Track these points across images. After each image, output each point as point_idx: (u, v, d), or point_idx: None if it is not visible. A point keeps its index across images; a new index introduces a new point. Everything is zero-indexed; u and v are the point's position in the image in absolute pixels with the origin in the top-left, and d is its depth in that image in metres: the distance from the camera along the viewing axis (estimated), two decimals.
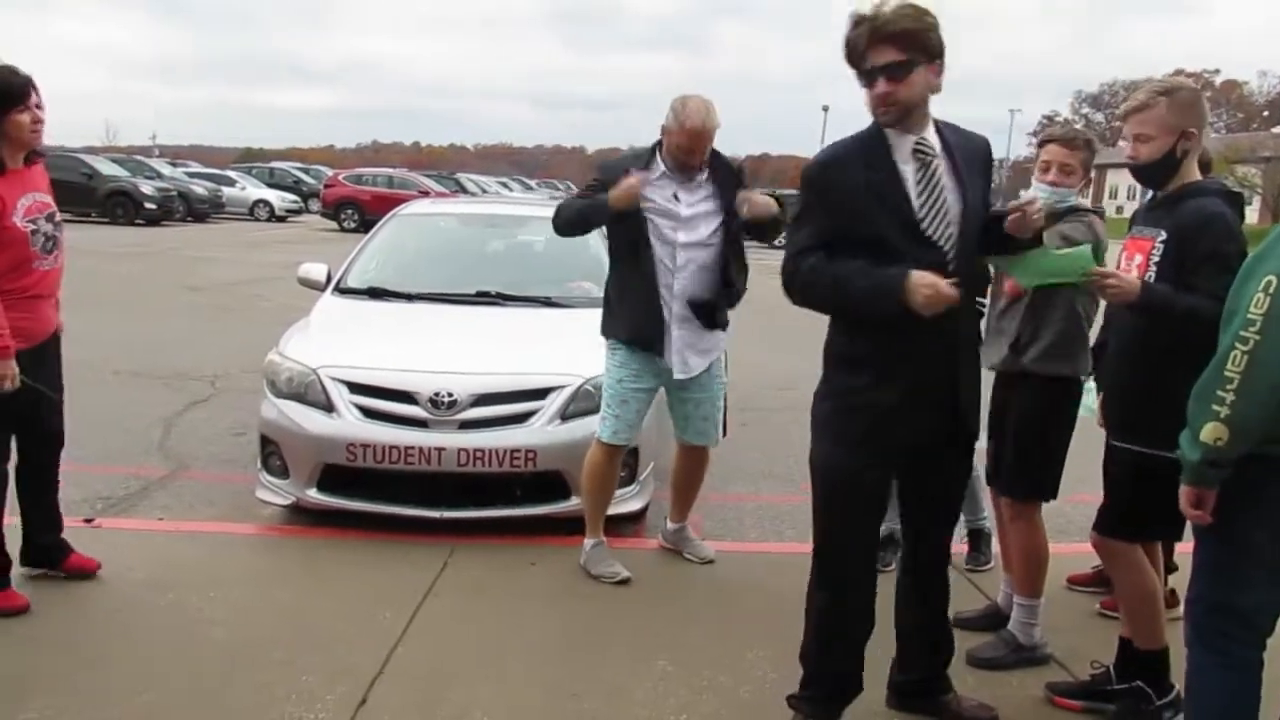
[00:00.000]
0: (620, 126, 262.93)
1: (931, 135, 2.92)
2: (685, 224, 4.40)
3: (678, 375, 4.51)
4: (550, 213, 4.57)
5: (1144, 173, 3.22)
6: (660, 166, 4.43)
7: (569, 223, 4.58)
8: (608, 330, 4.58)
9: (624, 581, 4.45)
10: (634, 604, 4.28)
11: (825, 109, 75.70)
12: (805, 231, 2.98)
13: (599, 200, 4.39)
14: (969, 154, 2.98)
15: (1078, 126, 4.23)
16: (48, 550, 4.21)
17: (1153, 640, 3.34)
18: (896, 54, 2.79)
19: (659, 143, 4.47)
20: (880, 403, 2.94)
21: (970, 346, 3.14)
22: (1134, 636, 3.37)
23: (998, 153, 4.26)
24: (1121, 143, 3.41)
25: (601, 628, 4.04)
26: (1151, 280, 3.11)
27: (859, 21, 2.81)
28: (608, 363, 4.55)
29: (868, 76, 2.84)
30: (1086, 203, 3.82)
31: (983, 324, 3.74)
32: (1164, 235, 3.12)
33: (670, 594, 4.38)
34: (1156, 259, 3.12)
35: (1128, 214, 4.51)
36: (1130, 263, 3.23)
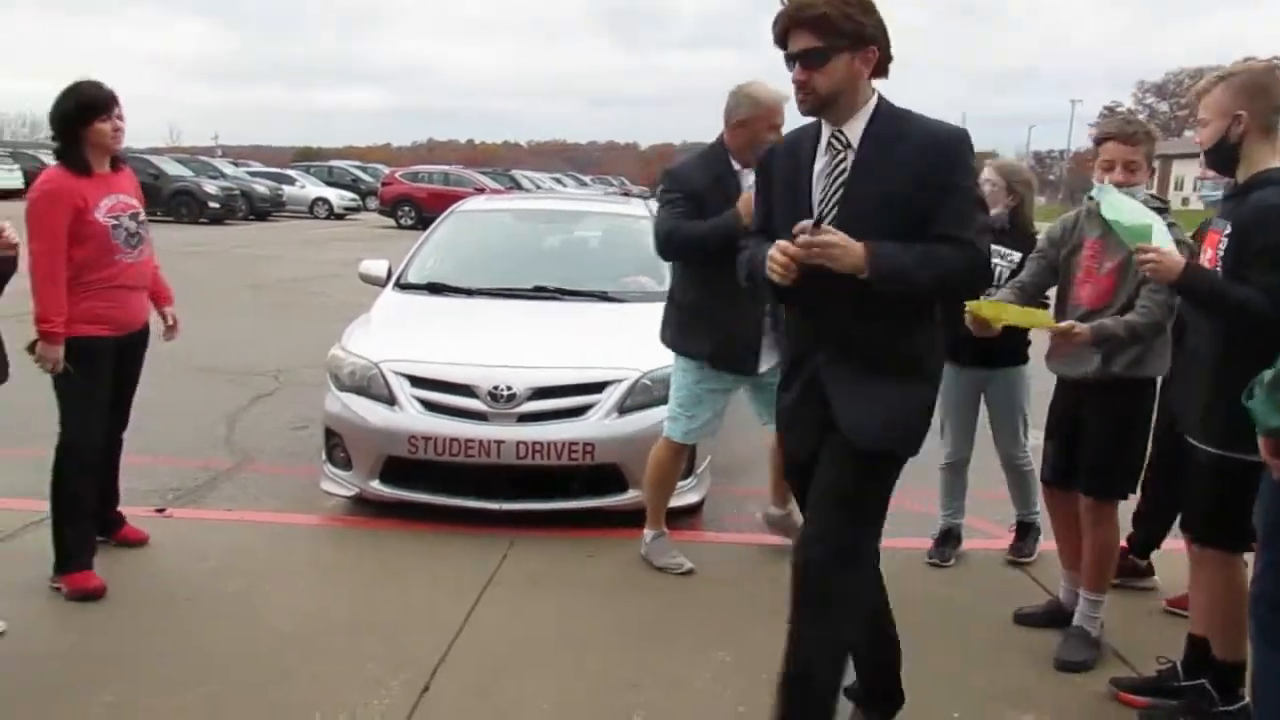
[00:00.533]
0: (671, 122, 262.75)
1: (856, 126, 2.68)
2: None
3: (762, 370, 4.46)
4: (606, 207, 4.57)
5: (1207, 158, 3.19)
6: (735, 166, 4.34)
7: (693, 244, 4.26)
8: (685, 345, 4.44)
9: (688, 572, 4.47)
10: (692, 596, 4.30)
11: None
12: (755, 217, 2.99)
13: (727, 219, 4.14)
14: (906, 150, 2.64)
15: (1138, 116, 4.10)
16: (104, 522, 4.45)
17: (1234, 652, 3.23)
18: (813, 40, 2.60)
19: (721, 141, 4.39)
20: (781, 401, 2.99)
21: (857, 358, 2.75)
22: (1215, 644, 3.28)
23: (1056, 143, 4.20)
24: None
25: (659, 619, 4.06)
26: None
27: (783, 5, 2.66)
28: (680, 361, 4.49)
29: (788, 63, 2.67)
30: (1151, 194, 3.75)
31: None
32: (1229, 228, 3.08)
33: (728, 586, 4.40)
34: (1221, 252, 3.08)
35: (1193, 206, 4.44)
36: (1202, 256, 3.20)
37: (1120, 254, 3.51)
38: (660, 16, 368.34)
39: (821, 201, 2.69)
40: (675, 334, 4.50)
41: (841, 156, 2.69)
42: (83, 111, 4.02)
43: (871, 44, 2.64)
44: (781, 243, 2.61)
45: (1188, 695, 3.32)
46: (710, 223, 4.19)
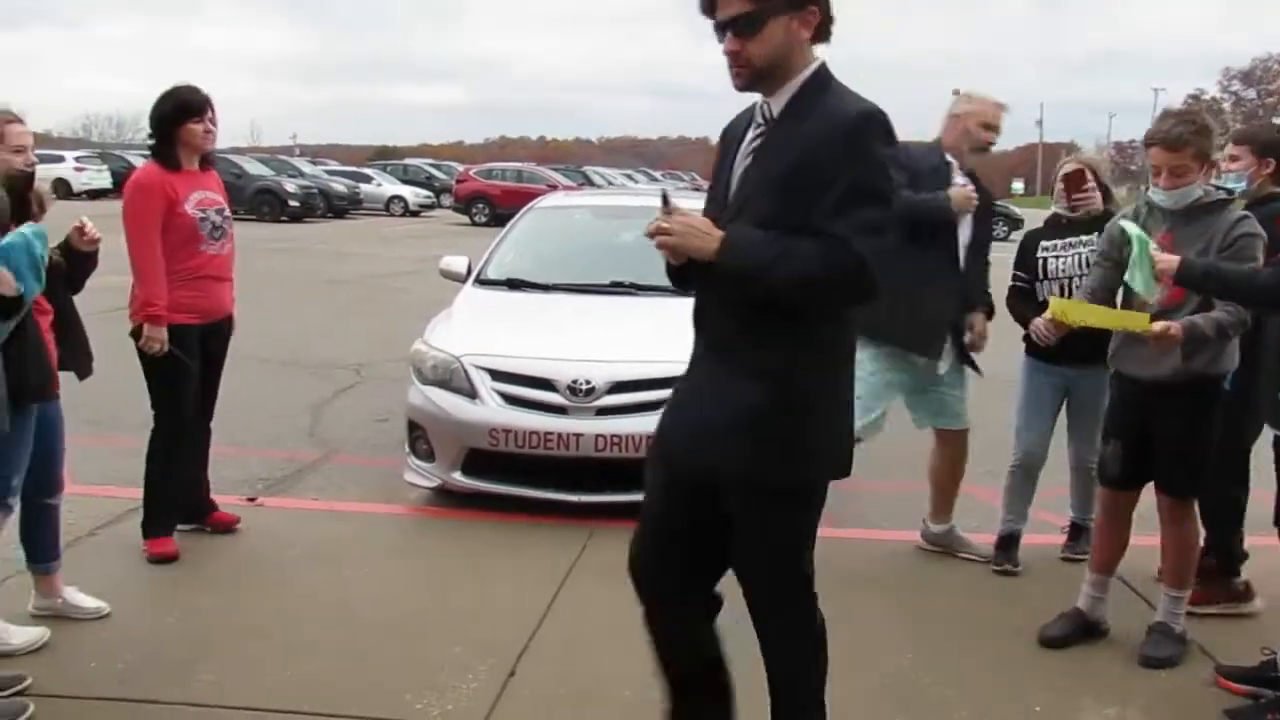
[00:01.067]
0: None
1: (784, 98, 2.36)
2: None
3: (942, 369, 4.52)
4: (679, 202, 4.49)
5: None
6: (948, 158, 4.46)
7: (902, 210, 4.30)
8: (882, 335, 4.33)
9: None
10: None
11: (956, 92, 74.01)
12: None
13: (940, 199, 4.29)
14: (806, 131, 2.30)
15: (1197, 111, 4.04)
16: (197, 507, 4.69)
17: None
18: (743, 3, 2.27)
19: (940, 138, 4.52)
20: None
21: (735, 371, 2.40)
22: None
23: (1137, 133, 4.17)
24: None
25: (741, 610, 4.09)
26: None
27: None
28: (864, 350, 4.43)
29: (718, 32, 2.34)
30: (1214, 191, 3.63)
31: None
32: None
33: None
34: None
35: None
36: None
37: (1191, 249, 3.47)
38: None
39: (731, 183, 2.45)
40: (865, 317, 4.46)
41: (759, 133, 2.40)
42: (178, 113, 4.31)
43: (811, 3, 2.31)
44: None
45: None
46: (922, 196, 4.26)
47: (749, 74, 2.33)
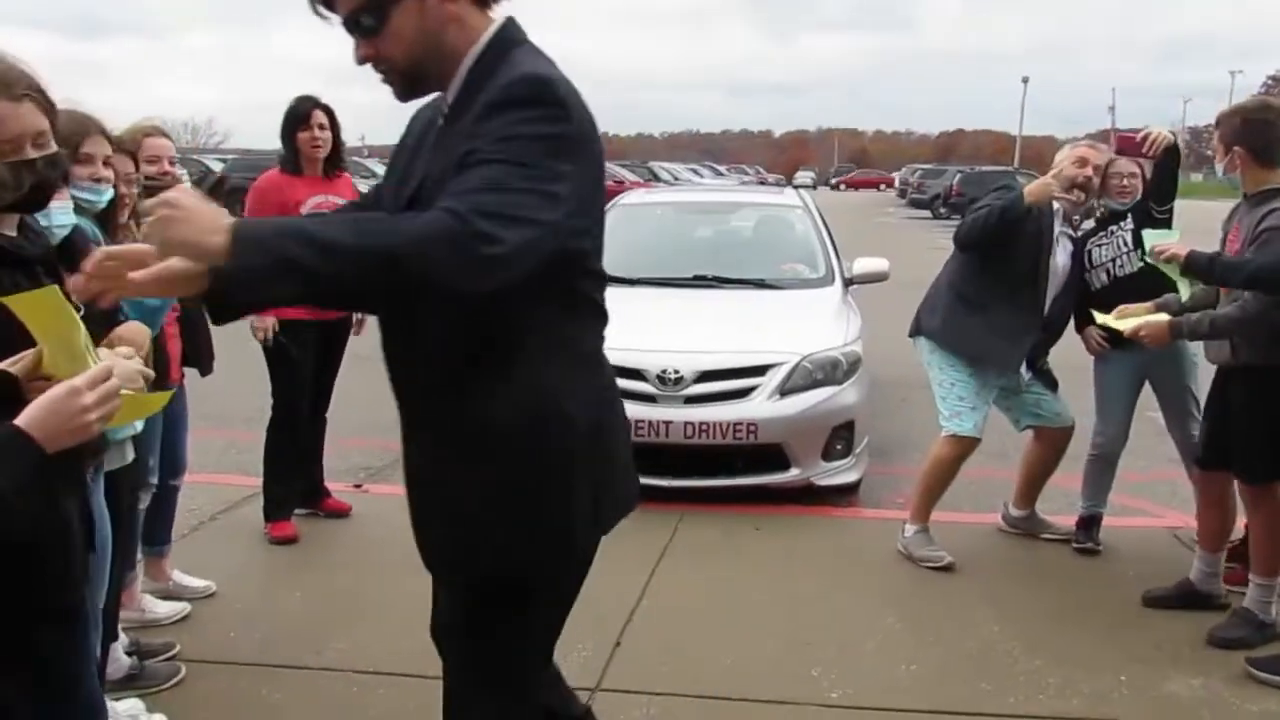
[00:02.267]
0: (807, 109, 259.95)
1: (455, 89, 1.83)
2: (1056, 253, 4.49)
3: (1027, 378, 4.63)
4: (760, 198, 4.74)
5: None
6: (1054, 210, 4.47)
7: (975, 229, 4.38)
8: (957, 341, 4.50)
9: (947, 567, 4.44)
10: (855, 567, 4.51)
11: (1025, 80, 73.04)
12: None
13: (1013, 194, 4.30)
14: (472, 114, 1.75)
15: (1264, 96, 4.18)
16: (311, 492, 4.99)
17: None
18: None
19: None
20: None
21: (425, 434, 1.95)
22: None
23: (1212, 118, 4.22)
24: None
25: (827, 587, 4.29)
26: None
27: None
28: (947, 357, 4.54)
29: (348, 32, 1.82)
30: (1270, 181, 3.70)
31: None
32: None
33: (888, 559, 4.58)
34: None
35: None
36: None
37: (1242, 235, 3.62)
38: (796, 1, 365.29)
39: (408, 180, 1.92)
40: (949, 328, 4.54)
41: (436, 132, 1.89)
42: (288, 123, 4.61)
43: None
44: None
45: None
46: (988, 199, 4.38)
47: (400, 80, 1.84)
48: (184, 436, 3.99)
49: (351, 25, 1.79)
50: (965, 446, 4.49)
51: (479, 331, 1.79)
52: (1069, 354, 4.86)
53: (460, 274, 1.59)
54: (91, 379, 1.55)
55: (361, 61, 1.81)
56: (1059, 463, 4.82)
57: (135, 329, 2.50)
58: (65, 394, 1.52)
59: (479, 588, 1.94)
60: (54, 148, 1.93)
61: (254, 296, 1.56)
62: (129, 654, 3.37)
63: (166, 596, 3.98)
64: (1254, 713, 3.31)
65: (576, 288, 1.88)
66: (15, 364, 1.65)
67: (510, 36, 1.84)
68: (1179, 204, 4.54)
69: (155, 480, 3.72)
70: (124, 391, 1.61)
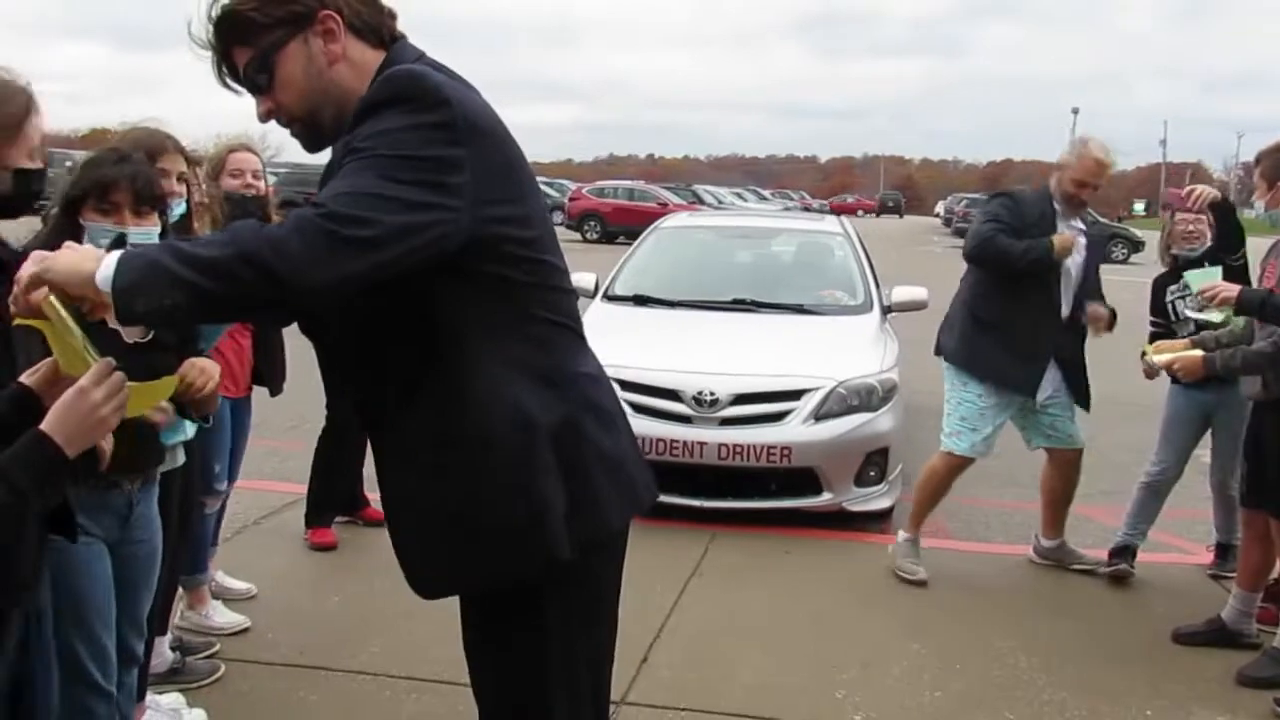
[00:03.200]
0: (853, 134, 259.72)
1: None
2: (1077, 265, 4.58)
3: (1041, 399, 4.63)
4: (800, 224, 4.77)
5: None
6: (1056, 206, 4.55)
7: (1002, 258, 4.46)
8: (972, 364, 4.59)
9: (920, 583, 4.57)
10: (885, 593, 4.54)
11: (1075, 111, 72.58)
12: None
13: (1043, 245, 4.40)
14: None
15: None
16: (351, 501, 5.07)
17: None
18: (245, 50, 1.78)
19: (1047, 189, 4.61)
20: None
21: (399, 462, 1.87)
22: None
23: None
24: None
25: (855, 612, 4.32)
26: None
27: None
28: (960, 376, 4.64)
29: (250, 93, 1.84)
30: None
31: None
32: None
33: (919, 588, 4.60)
34: None
35: None
36: None
37: (1279, 273, 3.63)
38: (852, 24, 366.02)
39: None
40: (964, 349, 4.63)
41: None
42: None
43: (320, 9, 1.78)
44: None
45: None
46: (1025, 244, 4.41)
47: (303, 129, 1.84)
48: (244, 447, 4.11)
49: (249, 85, 1.81)
50: (957, 464, 4.63)
51: (420, 344, 1.75)
52: (1118, 387, 4.88)
53: (317, 261, 1.54)
54: (96, 376, 1.62)
55: (264, 118, 1.83)
56: (1077, 484, 4.82)
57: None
58: (75, 396, 1.61)
59: (480, 605, 1.89)
60: (42, 162, 2.03)
61: (149, 305, 1.54)
62: (173, 649, 3.48)
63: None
64: None
65: (514, 284, 1.78)
66: (33, 375, 1.74)
67: (398, 59, 1.80)
68: None
69: (224, 487, 3.86)
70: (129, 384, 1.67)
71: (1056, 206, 4.51)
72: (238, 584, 4.21)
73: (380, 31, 1.83)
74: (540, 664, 1.88)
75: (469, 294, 1.73)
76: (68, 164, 29.89)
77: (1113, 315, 4.68)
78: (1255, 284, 3.89)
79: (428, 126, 1.64)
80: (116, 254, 1.56)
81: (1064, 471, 4.78)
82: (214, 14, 1.78)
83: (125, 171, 2.43)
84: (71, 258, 1.57)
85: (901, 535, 4.74)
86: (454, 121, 1.66)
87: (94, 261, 1.55)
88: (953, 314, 4.75)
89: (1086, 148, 4.47)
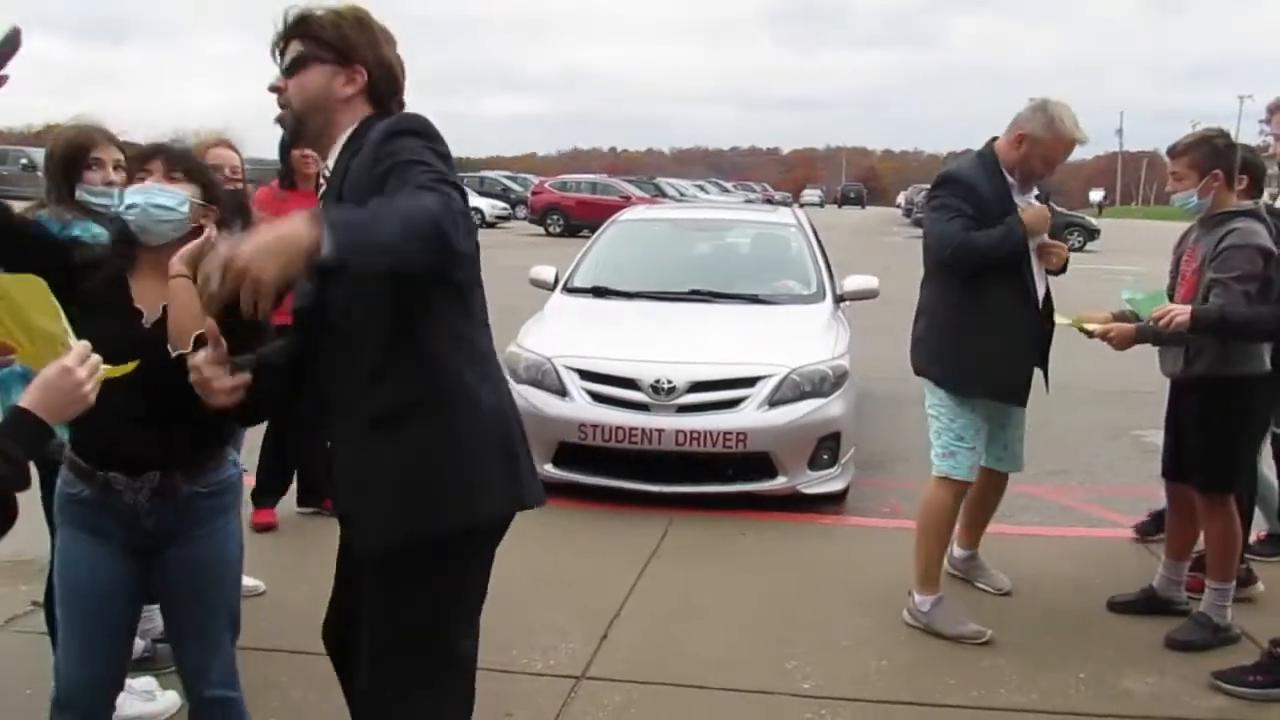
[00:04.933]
0: (816, 126, 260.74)
1: (333, 157, 2.22)
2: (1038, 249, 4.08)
3: (1014, 417, 4.27)
4: (755, 216, 4.82)
5: None
6: (1008, 179, 4.00)
7: (983, 257, 3.90)
8: (965, 383, 4.02)
9: (989, 642, 3.94)
10: (836, 571, 4.71)
11: (1033, 101, 73.22)
12: None
13: (1013, 229, 3.89)
14: (360, 160, 2.11)
15: (1219, 127, 4.25)
16: (316, 490, 5.20)
17: None
18: (298, 47, 2.23)
19: (992, 150, 4.03)
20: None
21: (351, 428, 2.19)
22: None
23: None
24: None
25: (807, 590, 4.49)
26: None
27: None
28: (952, 398, 4.05)
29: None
30: (1237, 203, 3.90)
31: None
32: None
33: (868, 564, 4.77)
34: None
35: None
36: None
37: (1201, 254, 3.82)
38: (819, 16, 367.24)
39: None
40: (955, 369, 4.04)
41: (322, 193, 2.36)
42: (286, 142, 4.65)
43: (359, 63, 2.21)
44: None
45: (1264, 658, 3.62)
46: (1000, 231, 3.88)
47: (292, 121, 2.25)
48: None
49: (282, 67, 2.23)
50: (960, 490, 4.10)
51: (393, 320, 2.09)
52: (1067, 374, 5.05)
53: (463, 234, 1.90)
54: (79, 356, 1.83)
55: (273, 91, 2.24)
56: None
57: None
58: (59, 374, 1.81)
59: (412, 553, 2.13)
60: None
61: (367, 259, 1.84)
62: (140, 637, 3.57)
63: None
64: (1205, 708, 3.50)
65: (461, 283, 2.18)
66: None
67: (381, 116, 2.21)
68: (1156, 225, 4.74)
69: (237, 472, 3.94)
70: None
71: (1010, 180, 3.99)
72: (247, 580, 4.31)
73: (385, 101, 2.26)
74: (458, 601, 2.27)
75: (441, 290, 2.12)
76: (22, 161, 29.81)
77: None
78: (1171, 277, 4.08)
79: (443, 156, 2.05)
80: (325, 222, 1.77)
81: (996, 492, 4.45)
82: (296, 11, 2.23)
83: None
84: (282, 232, 1.75)
85: (923, 601, 4.07)
86: (449, 154, 2.09)
87: (307, 230, 1.75)
88: (929, 333, 4.14)
89: (1064, 125, 3.93)
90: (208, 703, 2.55)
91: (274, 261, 1.71)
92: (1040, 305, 4.09)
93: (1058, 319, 4.13)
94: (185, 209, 2.39)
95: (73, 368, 1.81)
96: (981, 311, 3.96)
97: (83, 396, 1.82)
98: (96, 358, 1.86)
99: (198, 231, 2.41)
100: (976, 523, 4.52)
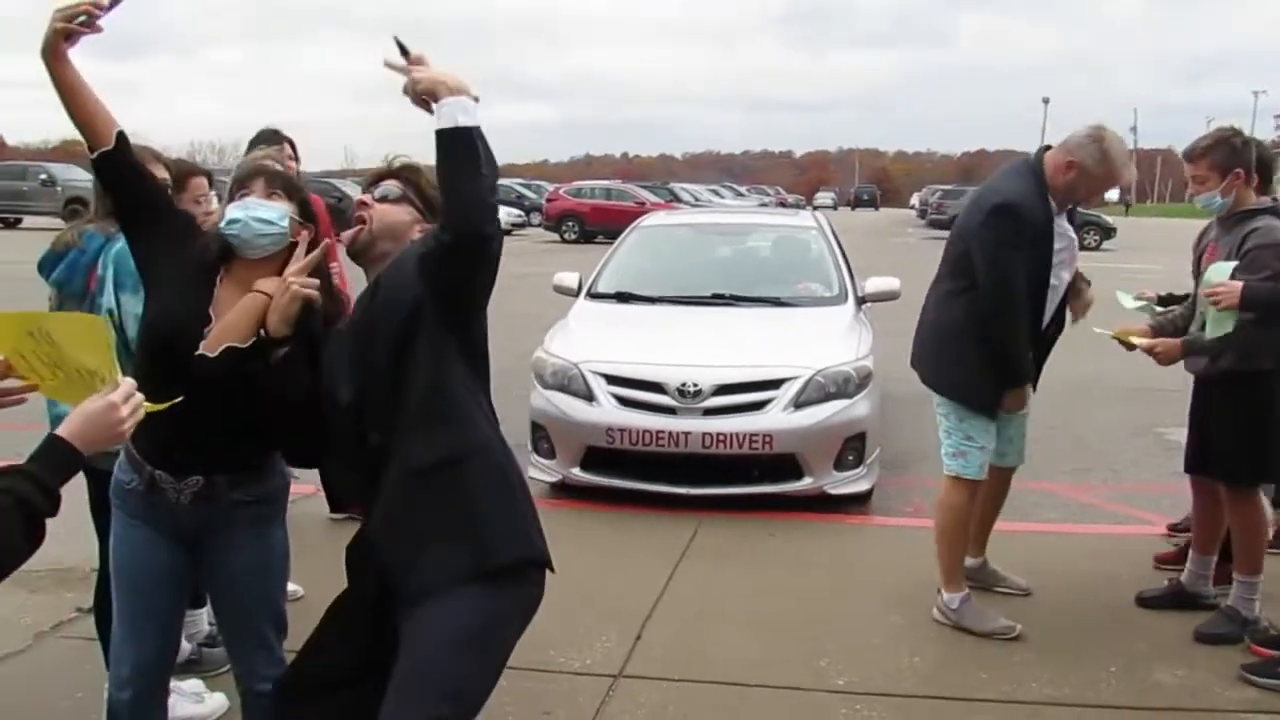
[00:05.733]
0: (827, 128, 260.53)
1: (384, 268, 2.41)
2: (1065, 266, 4.09)
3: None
4: (776, 220, 4.86)
5: None
6: (1051, 206, 3.95)
7: (1004, 336, 3.95)
8: (986, 397, 4.03)
9: (1017, 638, 3.99)
10: (866, 571, 4.76)
11: (1045, 101, 73.22)
12: None
13: (1021, 376, 4.04)
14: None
15: (1232, 127, 4.24)
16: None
17: None
18: (397, 187, 2.45)
19: (1041, 166, 3.96)
20: None
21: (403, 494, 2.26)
22: None
23: None
24: None
25: (837, 589, 4.54)
26: None
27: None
28: (960, 410, 4.08)
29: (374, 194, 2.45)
30: (1256, 200, 3.94)
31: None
32: None
33: (896, 563, 4.81)
34: None
35: None
36: None
37: (1221, 253, 3.86)
38: (827, 17, 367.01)
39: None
40: (969, 383, 4.07)
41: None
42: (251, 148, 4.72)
43: (426, 222, 2.42)
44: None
45: None
46: (1021, 362, 4.02)
47: (365, 240, 2.39)
48: None
49: (376, 193, 2.42)
50: (973, 489, 4.12)
51: (432, 369, 2.24)
52: (1083, 370, 5.09)
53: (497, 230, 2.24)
54: (124, 394, 1.89)
55: (357, 208, 2.41)
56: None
57: None
58: (105, 408, 1.86)
59: (485, 581, 2.22)
60: None
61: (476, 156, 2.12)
62: (186, 640, 3.65)
63: None
64: (1233, 700, 3.54)
65: (476, 349, 2.36)
66: None
67: None
68: (1172, 223, 4.77)
69: (284, 481, 3.99)
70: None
71: (1053, 205, 3.94)
72: (289, 585, 4.38)
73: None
74: (498, 636, 2.28)
75: (454, 354, 2.29)
76: (41, 176, 29.99)
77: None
78: (1193, 276, 4.11)
79: None
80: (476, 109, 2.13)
81: (1002, 489, 4.42)
82: (406, 160, 2.49)
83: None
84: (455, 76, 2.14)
85: (951, 599, 4.13)
86: None
87: (465, 85, 2.14)
88: (939, 343, 4.16)
89: (1115, 164, 3.92)
90: (256, 695, 2.64)
91: (443, 86, 2.12)
92: (1042, 336, 4.12)
93: (1097, 330, 4.18)
94: (285, 223, 2.48)
95: (117, 403, 1.86)
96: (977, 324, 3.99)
97: (120, 434, 1.88)
98: (139, 397, 1.91)
99: (292, 248, 2.50)
100: (984, 528, 4.45)
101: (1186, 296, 4.31)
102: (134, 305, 3.00)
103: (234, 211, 2.47)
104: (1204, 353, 3.90)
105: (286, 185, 2.57)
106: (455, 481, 2.24)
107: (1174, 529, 5.13)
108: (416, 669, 2.17)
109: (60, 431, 1.85)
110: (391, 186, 2.43)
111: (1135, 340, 4.02)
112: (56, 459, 1.83)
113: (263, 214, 2.46)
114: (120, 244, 3.01)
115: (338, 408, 2.33)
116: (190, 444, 2.47)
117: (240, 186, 2.53)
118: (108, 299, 3.14)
